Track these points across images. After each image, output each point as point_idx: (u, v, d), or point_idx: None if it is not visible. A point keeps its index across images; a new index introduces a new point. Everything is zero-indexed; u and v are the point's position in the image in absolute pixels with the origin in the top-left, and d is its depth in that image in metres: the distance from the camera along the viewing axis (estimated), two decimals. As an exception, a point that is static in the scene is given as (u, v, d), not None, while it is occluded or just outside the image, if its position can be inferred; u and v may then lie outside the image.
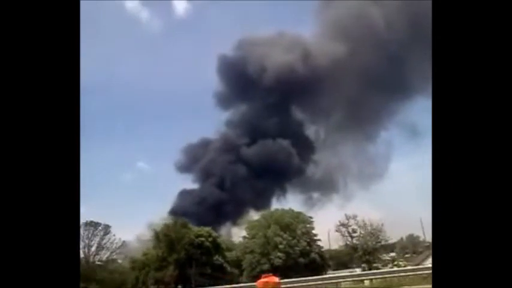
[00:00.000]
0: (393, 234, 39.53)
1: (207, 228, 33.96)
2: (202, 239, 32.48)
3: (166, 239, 31.00)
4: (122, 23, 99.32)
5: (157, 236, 31.68)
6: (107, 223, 35.73)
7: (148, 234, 49.05)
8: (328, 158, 69.22)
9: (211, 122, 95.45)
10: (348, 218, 32.71)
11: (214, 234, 33.62)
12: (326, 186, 65.47)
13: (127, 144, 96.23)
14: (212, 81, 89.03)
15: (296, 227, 33.51)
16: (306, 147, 66.85)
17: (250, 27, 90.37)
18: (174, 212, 62.85)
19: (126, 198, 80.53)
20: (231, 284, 31.40)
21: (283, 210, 36.19)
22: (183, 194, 64.06)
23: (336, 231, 33.13)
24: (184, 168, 68.54)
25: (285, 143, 64.35)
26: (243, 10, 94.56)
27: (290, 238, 32.61)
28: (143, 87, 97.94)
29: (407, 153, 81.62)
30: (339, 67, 65.89)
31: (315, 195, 61.88)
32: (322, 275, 32.87)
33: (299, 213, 35.10)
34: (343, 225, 32.84)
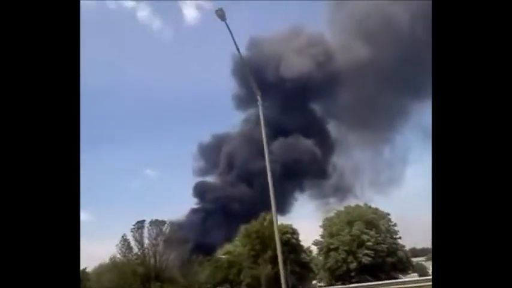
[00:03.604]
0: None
1: (288, 224, 32.59)
2: (288, 235, 31.10)
3: (259, 237, 29.31)
4: (135, 31, 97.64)
5: (247, 234, 29.88)
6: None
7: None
8: (344, 161, 69.12)
9: (225, 125, 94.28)
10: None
11: (297, 231, 32.31)
12: (343, 190, 65.07)
13: (136, 151, 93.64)
14: (224, 85, 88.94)
15: (378, 223, 32.90)
16: (325, 148, 66.48)
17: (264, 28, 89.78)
18: (195, 211, 60.64)
19: (137, 202, 77.43)
20: (319, 282, 30.27)
21: (358, 205, 35.45)
22: (200, 190, 61.88)
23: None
24: (200, 171, 66.32)
25: (307, 142, 63.66)
26: (255, 14, 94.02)
27: (377, 235, 31.94)
28: (153, 95, 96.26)
29: (422, 156, 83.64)
30: (356, 67, 66.16)
31: (331, 200, 61.18)
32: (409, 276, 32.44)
33: (376, 209, 34.52)
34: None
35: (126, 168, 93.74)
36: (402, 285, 26.83)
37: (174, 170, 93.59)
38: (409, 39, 64.04)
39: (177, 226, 48.84)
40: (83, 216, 60.83)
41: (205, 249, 40.09)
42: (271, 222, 30.38)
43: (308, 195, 65.44)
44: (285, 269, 29.12)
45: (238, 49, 15.30)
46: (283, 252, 29.43)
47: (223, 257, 31.33)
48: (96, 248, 45.01)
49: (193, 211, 58.86)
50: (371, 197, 62.63)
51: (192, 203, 61.18)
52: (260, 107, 16.12)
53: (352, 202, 49.46)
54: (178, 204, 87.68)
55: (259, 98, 16.16)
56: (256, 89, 16.11)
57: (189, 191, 62.23)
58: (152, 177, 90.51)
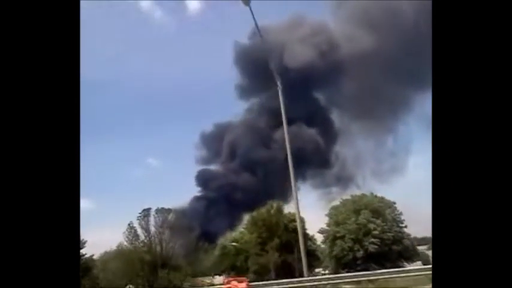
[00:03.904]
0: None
1: (295, 212, 32.55)
2: (295, 223, 31.03)
3: (266, 224, 29.29)
4: (137, 22, 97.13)
5: (254, 221, 29.85)
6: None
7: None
8: (346, 150, 68.94)
9: (227, 115, 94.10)
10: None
11: (304, 219, 32.24)
12: (345, 180, 64.84)
13: (138, 141, 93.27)
14: (226, 75, 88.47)
15: (384, 212, 32.91)
16: (328, 137, 66.27)
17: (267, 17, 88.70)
18: (198, 198, 60.57)
19: (140, 191, 77.61)
20: (324, 270, 30.31)
21: (364, 194, 35.45)
22: (203, 178, 61.85)
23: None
24: (202, 160, 66.29)
25: (310, 131, 63.39)
26: (257, 3, 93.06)
27: (383, 224, 31.96)
28: (155, 85, 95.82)
29: (424, 146, 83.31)
30: (360, 56, 65.64)
31: (334, 189, 60.91)
32: (414, 264, 32.43)
33: (382, 198, 34.51)
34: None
35: (128, 158, 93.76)
36: (406, 274, 26.74)
37: (176, 159, 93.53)
38: (413, 29, 63.41)
39: (180, 214, 48.89)
40: (87, 205, 60.95)
41: (208, 236, 40.18)
42: (278, 210, 30.46)
43: (310, 185, 65.32)
44: (294, 256, 29.24)
45: (260, 34, 15.11)
46: (290, 241, 29.46)
47: (234, 244, 31.32)
48: (101, 236, 45.15)
49: (196, 199, 58.93)
50: (373, 186, 62.49)
51: (194, 191, 61.24)
52: (280, 91, 16.14)
53: (354, 191, 49.52)
54: (180, 192, 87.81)
55: (279, 83, 16.21)
56: (276, 74, 16.19)
57: (191, 180, 62.26)
58: (154, 166, 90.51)
